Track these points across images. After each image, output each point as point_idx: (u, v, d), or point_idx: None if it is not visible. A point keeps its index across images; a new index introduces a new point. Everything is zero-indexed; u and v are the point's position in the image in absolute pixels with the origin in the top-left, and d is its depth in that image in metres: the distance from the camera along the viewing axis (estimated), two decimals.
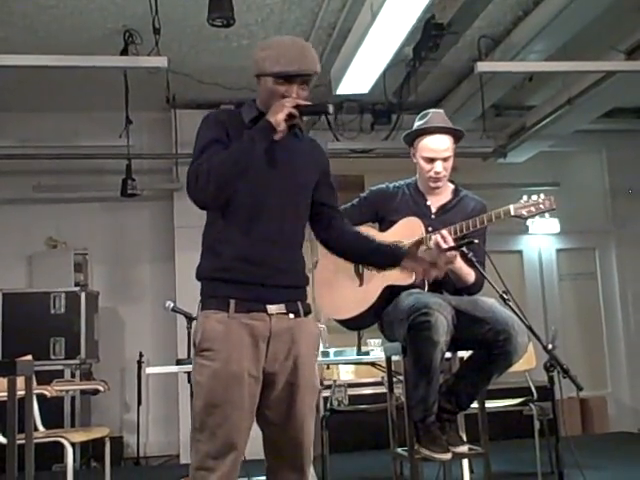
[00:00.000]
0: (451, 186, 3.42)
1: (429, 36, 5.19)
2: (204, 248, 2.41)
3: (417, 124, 3.38)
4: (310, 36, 5.65)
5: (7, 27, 5.33)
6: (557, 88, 6.45)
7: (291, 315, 2.37)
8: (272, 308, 2.33)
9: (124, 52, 5.43)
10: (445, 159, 3.29)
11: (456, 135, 3.34)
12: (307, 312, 2.44)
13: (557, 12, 4.89)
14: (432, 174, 3.30)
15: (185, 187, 2.31)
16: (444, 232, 3.11)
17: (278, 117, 2.26)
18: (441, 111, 3.42)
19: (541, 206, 3.03)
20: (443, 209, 3.36)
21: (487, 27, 5.61)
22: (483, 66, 5.34)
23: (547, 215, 3.09)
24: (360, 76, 5.25)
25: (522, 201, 3.05)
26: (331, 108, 2.34)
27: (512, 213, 3.06)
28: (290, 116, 2.28)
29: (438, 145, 3.29)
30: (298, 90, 2.33)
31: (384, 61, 4.99)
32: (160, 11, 4.74)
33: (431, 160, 3.29)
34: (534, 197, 3.04)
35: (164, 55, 4.81)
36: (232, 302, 2.30)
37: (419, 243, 3.11)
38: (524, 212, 3.04)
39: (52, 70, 5.26)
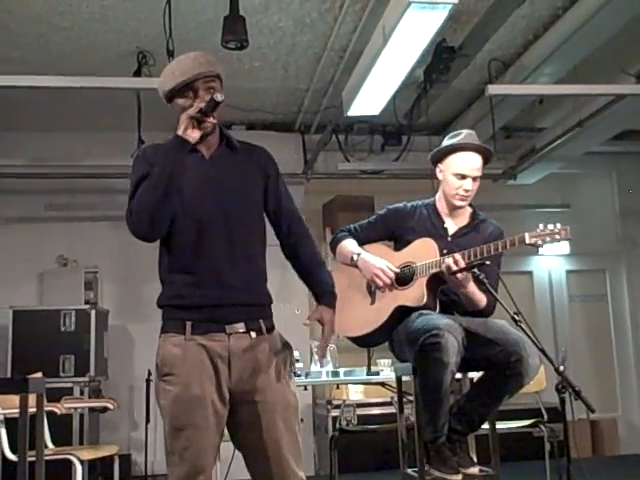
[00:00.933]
0: (469, 209, 3.41)
1: (440, 59, 5.24)
2: (160, 279, 2.41)
3: (448, 142, 3.35)
4: (322, 58, 5.71)
5: (21, 47, 5.38)
6: (567, 110, 6.48)
7: (252, 333, 2.34)
8: (231, 327, 2.31)
9: (137, 73, 5.48)
10: (475, 178, 3.29)
11: (487, 157, 3.33)
12: (270, 329, 2.41)
13: (567, 36, 4.93)
14: (461, 191, 3.28)
15: None
16: (457, 256, 3.09)
17: (183, 127, 2.27)
18: (473, 132, 3.39)
19: (557, 236, 2.98)
20: (460, 232, 3.35)
21: (498, 50, 5.64)
22: (494, 89, 5.36)
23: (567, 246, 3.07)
24: (371, 98, 5.27)
25: (538, 230, 3.01)
26: (219, 96, 2.27)
27: (527, 241, 3.01)
28: (198, 122, 2.28)
29: (472, 163, 3.27)
30: (204, 97, 2.30)
31: (395, 83, 5.02)
32: (174, 33, 4.79)
33: (462, 177, 3.27)
34: (550, 226, 3.00)
35: None
36: (188, 324, 2.30)
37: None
38: (539, 241, 3.01)
39: (65, 90, 5.31)
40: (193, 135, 2.28)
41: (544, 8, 5.06)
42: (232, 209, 2.38)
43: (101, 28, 5.20)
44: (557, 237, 2.99)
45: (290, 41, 5.50)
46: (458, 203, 3.32)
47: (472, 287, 3.13)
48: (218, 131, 2.44)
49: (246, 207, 2.42)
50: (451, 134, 3.39)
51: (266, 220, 2.54)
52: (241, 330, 2.33)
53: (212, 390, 2.27)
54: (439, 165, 3.37)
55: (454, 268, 3.06)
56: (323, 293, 2.60)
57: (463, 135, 3.33)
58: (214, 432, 2.27)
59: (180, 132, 2.27)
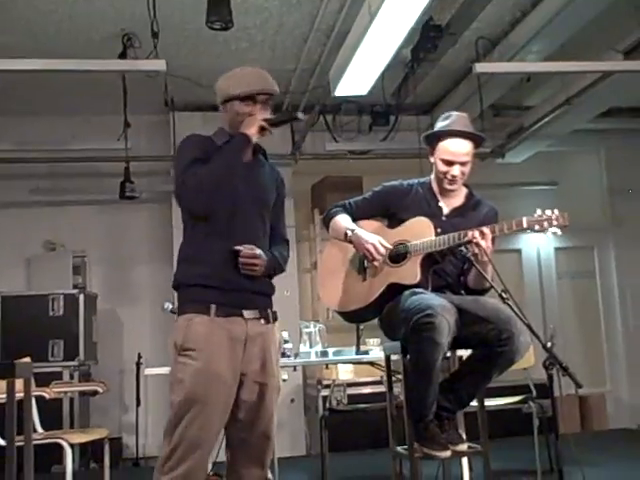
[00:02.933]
0: (465, 190, 3.41)
1: (427, 37, 5.20)
2: (183, 257, 2.64)
3: (439, 125, 3.34)
4: (309, 38, 5.67)
5: (5, 31, 5.33)
6: (555, 88, 6.46)
7: (262, 321, 2.61)
8: (248, 313, 2.57)
9: (122, 55, 5.43)
10: (463, 163, 3.28)
11: (477, 141, 3.32)
12: (275, 319, 2.68)
13: (555, 13, 4.91)
14: (448, 176, 3.29)
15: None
16: (485, 229, 3.05)
17: (252, 130, 2.58)
18: (465, 114, 3.38)
19: (554, 222, 3.00)
20: (455, 212, 3.35)
21: (485, 28, 5.61)
22: (481, 67, 5.34)
23: (558, 231, 3.06)
24: (358, 78, 5.24)
25: (536, 215, 3.02)
26: (300, 114, 2.66)
27: (525, 225, 3.03)
28: (262, 129, 2.60)
29: (458, 149, 3.27)
30: (261, 110, 2.62)
31: (382, 63, 4.99)
32: (158, 15, 4.75)
33: (449, 163, 3.27)
34: (548, 212, 3.01)
35: (162, 58, 4.81)
36: (213, 307, 2.52)
37: None
38: (536, 226, 3.02)
39: (50, 74, 5.26)
40: (255, 137, 2.61)
41: None
42: (258, 208, 2.68)
43: (85, 10, 5.15)
44: (554, 223, 3.00)
45: (276, 21, 5.46)
46: (447, 187, 3.33)
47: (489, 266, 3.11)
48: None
49: (266, 210, 2.73)
50: (443, 116, 3.37)
51: None
52: (255, 317, 2.59)
53: (228, 370, 2.49)
54: (429, 148, 3.38)
55: (481, 241, 3.02)
56: None
57: (451, 120, 3.32)
58: (223, 409, 2.49)
59: (247, 132, 2.58)
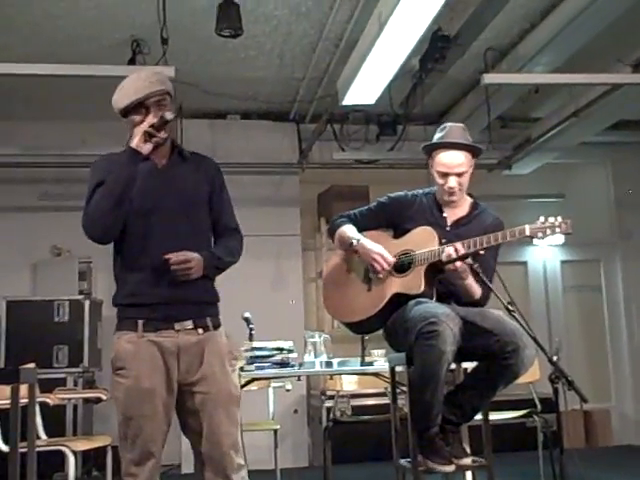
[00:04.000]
0: (469, 200, 3.41)
1: (436, 48, 5.21)
2: (114, 278, 2.65)
3: (435, 137, 3.36)
4: (317, 47, 5.68)
5: (16, 35, 5.35)
6: (563, 100, 6.46)
7: (200, 330, 2.59)
8: (179, 325, 2.56)
9: (132, 62, 5.44)
10: (459, 174, 3.27)
11: (472, 151, 3.32)
12: (216, 326, 2.65)
13: (564, 25, 4.91)
14: (445, 188, 3.29)
15: None
16: (458, 245, 3.08)
17: (136, 140, 2.53)
18: (460, 125, 3.39)
19: (557, 229, 2.96)
20: (459, 222, 3.35)
21: (494, 39, 5.61)
22: (489, 78, 5.34)
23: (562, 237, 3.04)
24: (366, 87, 5.25)
25: (539, 222, 2.99)
26: (168, 114, 2.55)
27: (527, 233, 3.00)
28: (149, 135, 2.53)
29: (451, 160, 3.27)
30: (156, 113, 2.56)
31: (391, 72, 5.00)
32: (168, 21, 4.76)
33: (445, 175, 3.28)
34: (551, 219, 2.98)
35: (172, 65, 4.81)
36: (140, 322, 2.53)
37: None
38: (539, 233, 3.00)
39: (59, 79, 5.27)
40: (145, 147, 2.54)
41: None
42: (180, 210, 2.62)
43: (96, 16, 5.16)
44: (557, 230, 2.97)
45: (285, 29, 5.47)
46: (446, 198, 3.34)
47: (470, 278, 3.13)
48: (170, 143, 2.70)
49: (194, 209, 2.66)
50: (440, 128, 3.39)
51: None
52: (189, 327, 2.58)
53: (161, 383, 2.51)
54: (429, 160, 3.39)
55: (454, 256, 3.05)
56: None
57: (445, 131, 3.33)
58: (162, 421, 2.53)
59: (133, 144, 2.53)
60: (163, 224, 2.58)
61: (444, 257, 3.09)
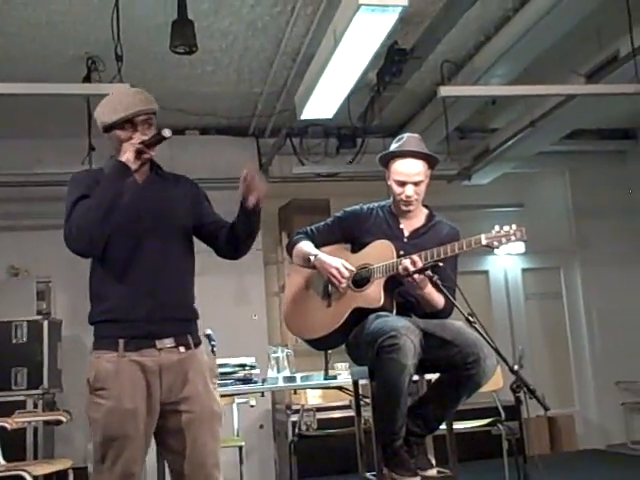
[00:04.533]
0: (425, 211, 3.42)
1: (392, 61, 5.24)
2: (90, 295, 2.58)
3: (392, 147, 3.37)
4: (274, 62, 5.69)
5: None
6: (520, 111, 6.54)
7: (181, 348, 2.54)
8: (161, 343, 2.51)
9: (87, 79, 5.38)
10: (416, 183, 3.29)
11: (429, 160, 3.33)
12: (197, 344, 2.61)
13: (518, 37, 4.97)
14: (403, 197, 3.30)
15: None
16: (415, 257, 3.09)
17: (127, 155, 2.50)
18: (417, 135, 3.41)
19: (512, 237, 2.99)
20: (416, 233, 3.36)
21: (450, 52, 5.68)
22: (446, 90, 5.38)
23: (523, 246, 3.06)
24: (324, 101, 5.25)
25: (494, 231, 3.02)
26: (167, 132, 2.52)
27: (483, 242, 3.02)
28: (139, 152, 2.52)
29: (409, 169, 3.28)
30: (143, 131, 2.55)
31: (348, 86, 5.01)
32: (123, 38, 4.72)
33: (402, 184, 3.29)
34: (506, 228, 3.01)
35: (127, 82, 4.76)
36: (121, 342, 2.47)
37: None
38: (495, 242, 3.02)
39: (14, 97, 5.20)
40: (135, 163, 2.52)
41: (495, 9, 5.11)
42: (164, 228, 2.59)
43: (49, 33, 5.11)
44: (513, 238, 3.00)
45: (242, 45, 5.46)
46: (403, 208, 3.35)
47: (429, 288, 3.13)
48: (149, 161, 2.67)
49: (176, 226, 2.64)
50: (396, 138, 3.41)
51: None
52: (170, 345, 2.52)
53: (143, 402, 2.45)
54: (386, 170, 3.39)
55: (412, 269, 3.06)
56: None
57: (403, 141, 3.35)
58: (143, 441, 2.46)
59: (124, 159, 2.49)
60: (149, 241, 2.55)
61: (401, 270, 3.10)
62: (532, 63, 5.35)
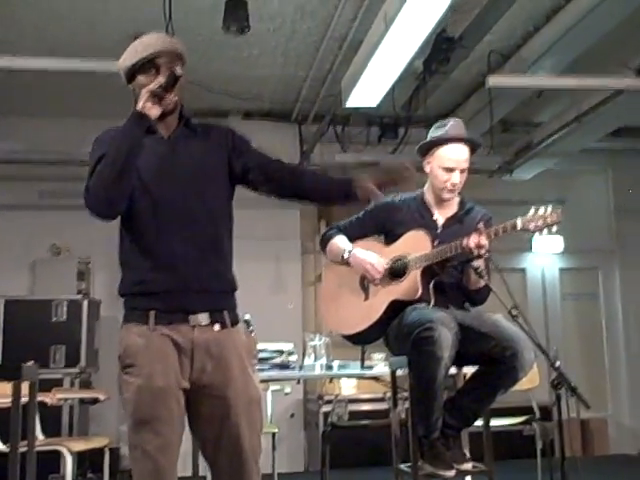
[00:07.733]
0: (457, 199, 3.39)
1: (440, 49, 5.18)
2: (120, 264, 2.35)
3: (435, 133, 3.31)
4: (321, 47, 5.65)
5: (18, 32, 5.30)
6: (565, 105, 6.43)
7: (217, 326, 2.28)
8: (194, 319, 2.25)
9: None
10: (463, 170, 3.26)
11: (474, 147, 3.30)
12: (234, 322, 2.35)
13: (568, 28, 4.88)
14: (448, 185, 3.26)
15: None
16: (479, 225, 3.04)
17: (141, 102, 2.22)
18: (460, 120, 3.36)
19: (548, 219, 2.94)
20: (450, 221, 3.34)
21: (497, 41, 5.58)
22: (494, 80, 5.31)
23: (554, 228, 2.99)
24: (370, 89, 5.22)
25: (529, 214, 2.99)
26: (178, 70, 2.25)
27: (519, 227, 2.99)
28: (155, 97, 2.24)
29: (459, 155, 3.24)
30: (165, 72, 2.27)
31: (395, 74, 4.97)
32: (173, 18, 4.71)
33: (450, 170, 3.24)
34: (541, 210, 2.96)
35: None
36: (152, 314, 2.24)
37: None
38: (531, 226, 2.97)
39: (60, 75, 5.24)
40: (153, 111, 2.24)
41: None
42: (191, 190, 2.32)
43: (99, 13, 5.13)
44: (548, 220, 2.93)
45: (290, 28, 5.42)
46: (446, 196, 3.30)
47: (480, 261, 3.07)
48: (178, 113, 2.40)
49: (208, 188, 2.36)
50: (437, 124, 3.34)
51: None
52: (205, 322, 2.26)
53: (175, 381, 2.22)
54: (426, 157, 3.33)
55: (484, 242, 3.00)
56: (347, 182, 2.43)
57: (449, 126, 3.29)
58: (178, 424, 2.24)
59: (139, 107, 2.23)
60: (173, 205, 2.28)
61: (473, 246, 2.99)
62: (581, 56, 5.23)
